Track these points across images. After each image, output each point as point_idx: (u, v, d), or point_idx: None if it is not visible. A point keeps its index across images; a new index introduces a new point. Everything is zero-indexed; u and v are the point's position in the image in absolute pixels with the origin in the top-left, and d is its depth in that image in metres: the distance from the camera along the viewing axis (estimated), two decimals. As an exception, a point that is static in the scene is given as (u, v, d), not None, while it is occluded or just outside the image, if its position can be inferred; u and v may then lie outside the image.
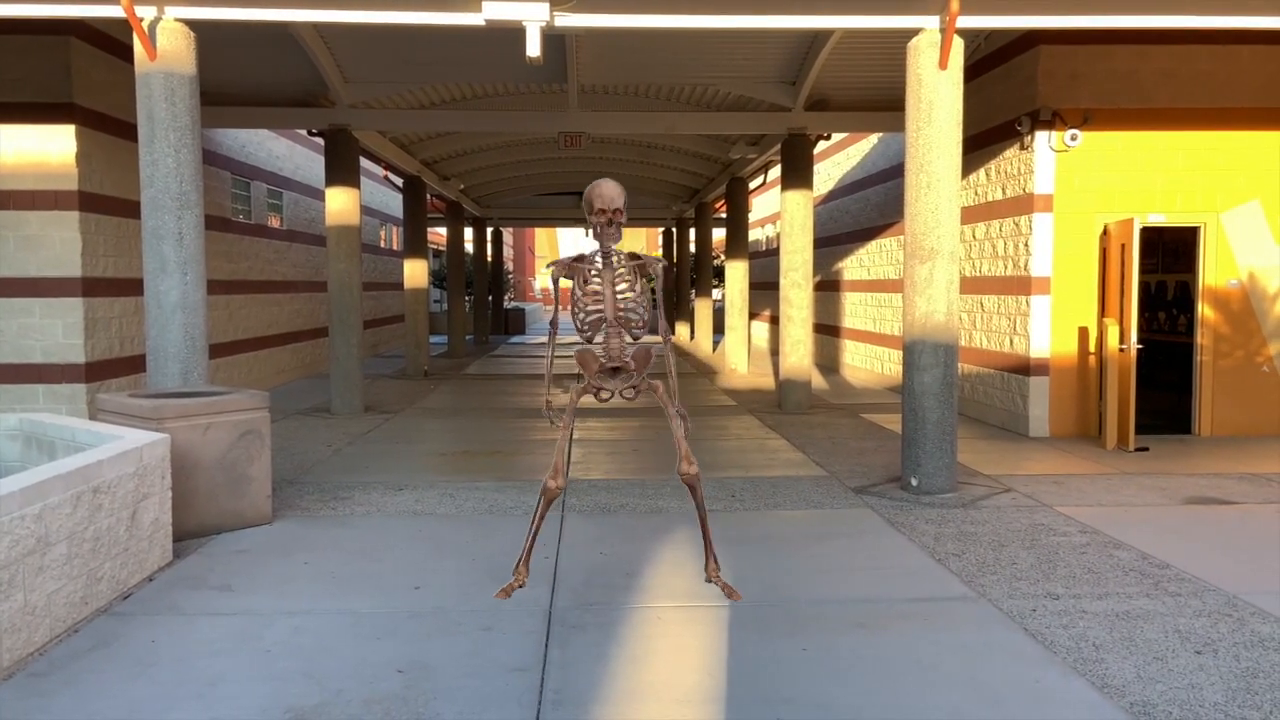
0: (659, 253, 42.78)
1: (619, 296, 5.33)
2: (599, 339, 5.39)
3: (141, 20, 7.43)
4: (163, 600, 5.30)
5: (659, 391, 5.40)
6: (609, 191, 5.40)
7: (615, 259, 5.40)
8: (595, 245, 5.49)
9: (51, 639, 4.65)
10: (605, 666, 4.40)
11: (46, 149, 9.97)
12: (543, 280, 74.42)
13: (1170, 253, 13.06)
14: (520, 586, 5.36)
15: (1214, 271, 10.64)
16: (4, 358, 10.05)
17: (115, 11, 7.40)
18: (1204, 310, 10.69)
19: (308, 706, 3.98)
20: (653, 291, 5.59)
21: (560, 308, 5.50)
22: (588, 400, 5.61)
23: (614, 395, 5.44)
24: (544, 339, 30.90)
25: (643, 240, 68.28)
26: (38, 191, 9.97)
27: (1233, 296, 10.65)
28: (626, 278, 5.38)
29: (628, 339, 5.37)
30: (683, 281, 29.41)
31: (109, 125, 10.58)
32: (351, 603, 5.26)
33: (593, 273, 5.39)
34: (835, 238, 19.55)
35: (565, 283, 5.65)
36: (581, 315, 5.42)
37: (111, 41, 10.53)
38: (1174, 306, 12.94)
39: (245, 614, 5.09)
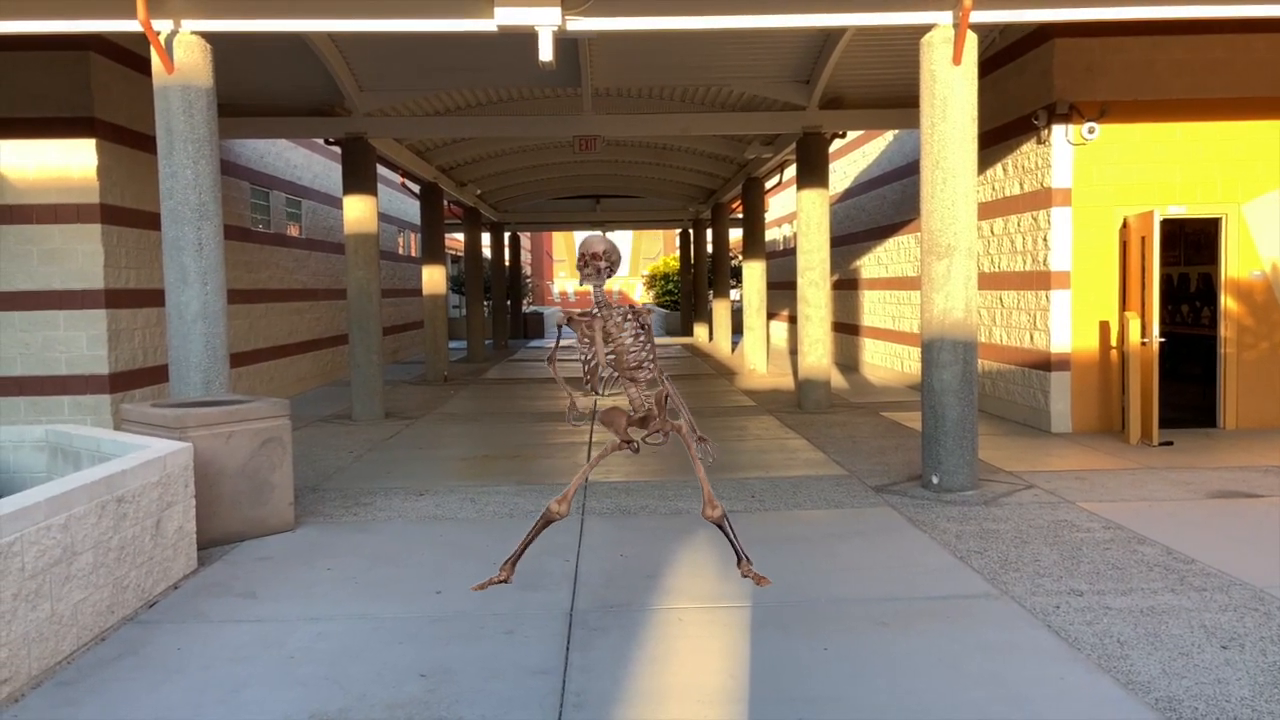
0: (676, 254, 42.80)
1: (629, 350, 5.54)
2: (607, 391, 5.60)
3: (159, 34, 7.51)
4: (188, 608, 5.35)
5: (683, 432, 5.62)
6: (590, 240, 5.61)
7: (612, 311, 5.59)
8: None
9: (79, 647, 4.70)
10: (627, 668, 4.41)
11: (68, 163, 10.09)
12: (560, 284, 74.65)
13: (1192, 245, 12.95)
14: (503, 582, 5.51)
15: (1236, 263, 10.54)
16: (30, 370, 10.17)
17: (133, 26, 7.48)
18: (1227, 302, 10.58)
19: (331, 711, 4.01)
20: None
21: (559, 345, 5.76)
22: (614, 403, 5.76)
23: (642, 443, 5.63)
24: (565, 342, 30.91)
25: (660, 242, 68.31)
26: (60, 205, 10.09)
27: (1256, 288, 10.54)
28: (630, 330, 5.58)
29: (644, 389, 5.56)
30: (700, 283, 29.40)
31: (129, 138, 10.70)
32: (374, 608, 5.29)
33: (603, 324, 5.56)
34: (852, 236, 19.49)
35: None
36: (593, 364, 5.59)
37: (130, 56, 10.65)
38: (1196, 299, 12.83)
39: (269, 620, 5.13)
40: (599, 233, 5.74)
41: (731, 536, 5.63)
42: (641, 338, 5.57)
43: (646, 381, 5.58)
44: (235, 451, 6.65)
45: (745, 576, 5.57)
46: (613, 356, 5.52)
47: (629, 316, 5.60)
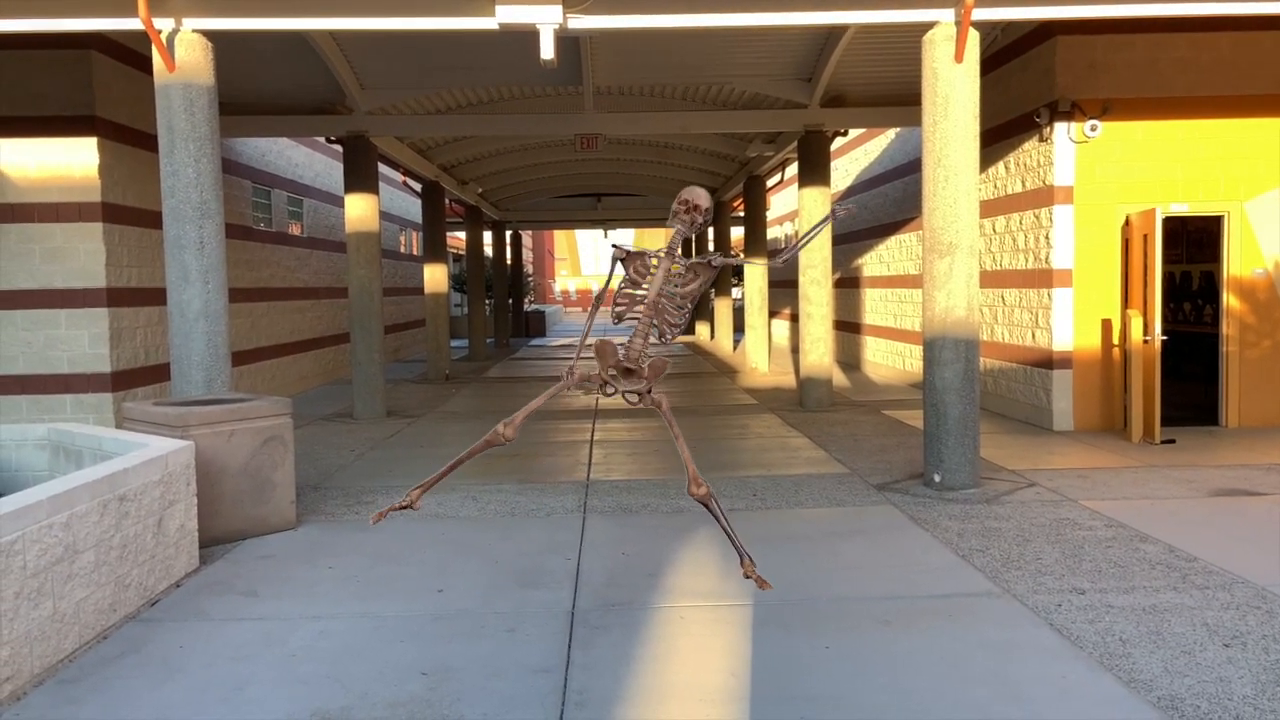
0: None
1: (663, 291, 5.24)
2: (626, 325, 5.30)
3: (160, 32, 7.51)
4: (190, 606, 5.35)
5: (663, 408, 5.33)
6: (699, 192, 5.38)
7: (679, 258, 5.31)
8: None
9: (80, 646, 4.70)
10: (628, 667, 4.41)
11: (69, 162, 10.09)
12: (562, 283, 74.63)
13: (1194, 243, 12.92)
14: (407, 508, 5.12)
15: (1239, 261, 10.52)
16: (32, 368, 10.18)
17: (134, 25, 7.47)
18: (1229, 300, 10.57)
19: (333, 709, 4.01)
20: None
21: (608, 290, 5.47)
22: (615, 401, 5.58)
23: (617, 393, 5.32)
24: (567, 341, 30.96)
25: (662, 240, 68.30)
26: (62, 204, 10.10)
27: (1258, 286, 10.53)
28: (682, 276, 5.29)
29: (652, 339, 5.33)
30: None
31: (130, 137, 10.70)
32: (375, 606, 5.29)
33: (653, 261, 5.31)
34: (854, 234, 19.48)
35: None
36: (625, 301, 5.33)
37: (132, 54, 10.65)
38: (1199, 297, 12.80)
39: (271, 619, 5.14)
40: (702, 188, 5.51)
41: (727, 527, 5.46)
42: (692, 289, 5.31)
43: (664, 330, 5.29)
44: (237, 450, 6.65)
45: (748, 578, 5.46)
46: (661, 301, 5.25)
47: (695, 265, 5.33)
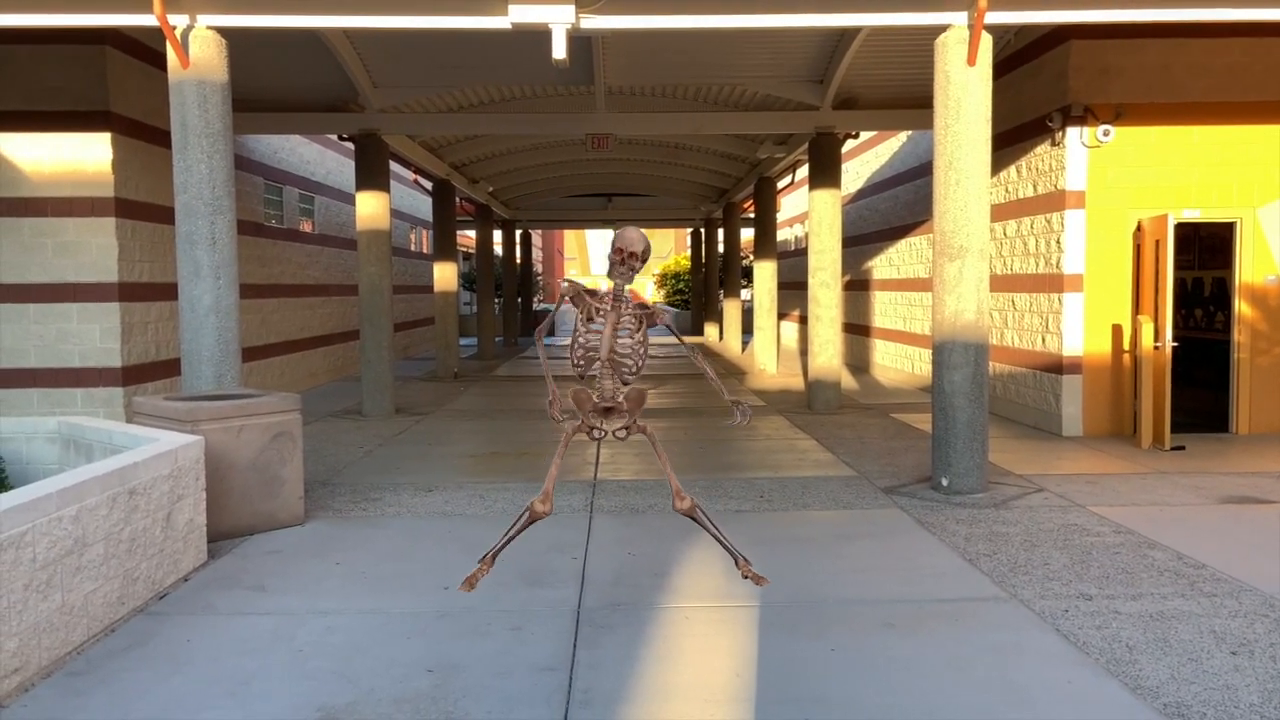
0: (687, 254, 42.73)
1: (619, 341, 5.48)
2: (592, 374, 5.53)
3: (175, 28, 7.54)
4: (198, 600, 5.38)
5: (648, 432, 5.52)
6: (631, 236, 5.55)
7: (624, 304, 5.54)
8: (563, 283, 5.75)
9: (89, 638, 4.73)
10: (633, 666, 4.41)
11: (83, 156, 10.14)
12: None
13: (1206, 249, 12.87)
14: (483, 576, 5.42)
15: (1251, 267, 10.47)
16: (43, 362, 10.23)
17: (149, 21, 7.51)
18: (1241, 307, 10.52)
19: (339, 705, 4.02)
20: (669, 330, 5.81)
21: (554, 323, 5.66)
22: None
23: (607, 435, 5.53)
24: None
25: (671, 241, 68.25)
26: (75, 199, 10.15)
27: (1270, 293, 10.48)
28: (630, 324, 5.53)
29: (620, 383, 5.50)
30: (711, 282, 29.38)
31: (144, 132, 10.75)
32: (382, 603, 5.31)
33: (599, 311, 5.52)
34: (864, 236, 19.44)
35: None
36: (580, 351, 5.57)
37: (146, 50, 10.70)
38: (1210, 303, 12.75)
39: (278, 614, 5.15)
40: (636, 228, 5.64)
41: (717, 534, 5.55)
42: (639, 336, 5.55)
43: (623, 377, 5.51)
44: (246, 445, 6.68)
45: (746, 577, 5.52)
46: (597, 345, 5.48)
47: (639, 314, 5.57)
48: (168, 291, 11.03)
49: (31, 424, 7.28)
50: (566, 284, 5.65)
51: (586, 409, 5.47)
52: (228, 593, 5.51)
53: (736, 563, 5.54)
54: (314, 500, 7.71)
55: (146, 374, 10.76)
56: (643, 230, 5.61)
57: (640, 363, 5.55)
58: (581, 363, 5.55)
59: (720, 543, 5.56)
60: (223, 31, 7.76)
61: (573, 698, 4.08)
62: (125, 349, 10.34)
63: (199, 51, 7.64)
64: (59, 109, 10.08)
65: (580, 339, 5.54)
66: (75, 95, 10.09)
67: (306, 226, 17.48)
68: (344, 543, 6.56)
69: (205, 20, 7.67)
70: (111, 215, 10.18)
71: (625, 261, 5.48)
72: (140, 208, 10.68)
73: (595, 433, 5.50)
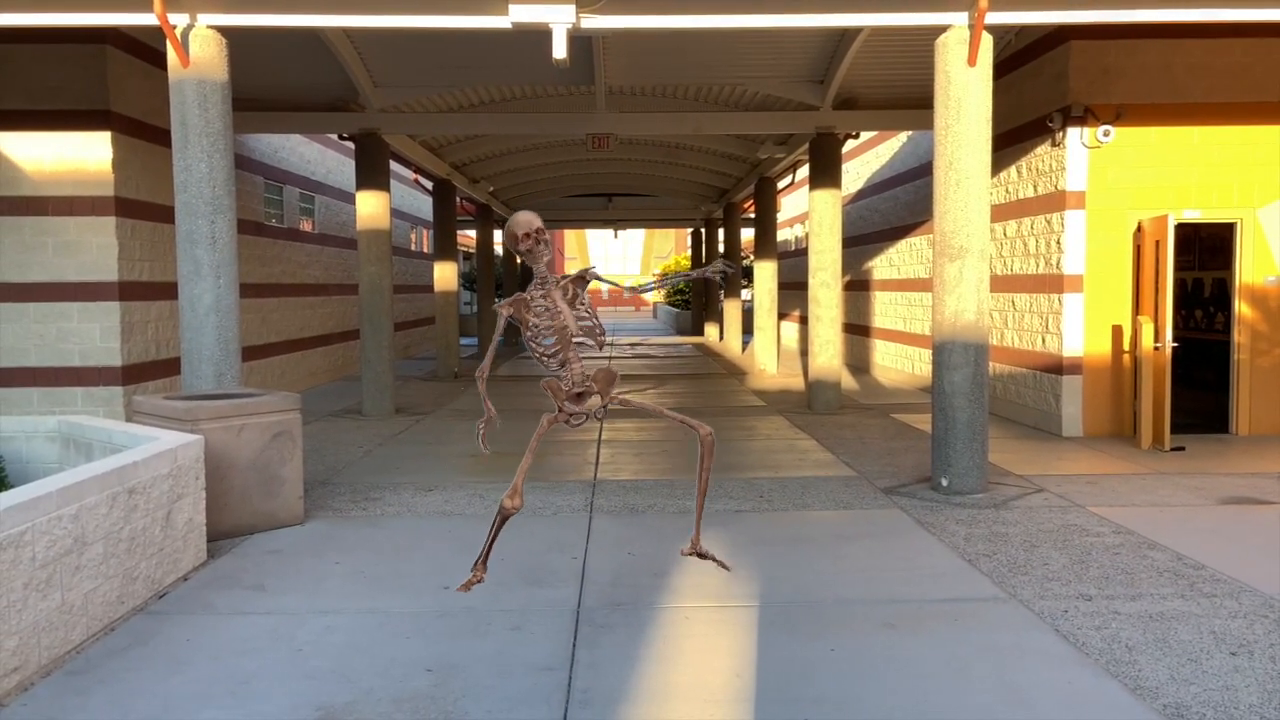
0: (687, 253, 42.69)
1: (577, 320, 5.42)
2: (559, 363, 5.43)
3: (175, 28, 7.54)
4: (197, 599, 5.38)
5: (632, 403, 5.53)
6: (522, 218, 5.49)
7: (553, 282, 5.46)
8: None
9: (88, 637, 4.73)
10: (633, 666, 4.41)
11: (83, 155, 10.14)
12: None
13: (1206, 249, 12.87)
14: (479, 582, 5.41)
15: (1251, 268, 10.47)
16: (43, 361, 10.23)
17: (149, 20, 7.51)
18: (1241, 308, 10.52)
19: (338, 705, 4.02)
20: (599, 279, 5.76)
21: (500, 336, 5.56)
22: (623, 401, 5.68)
23: (587, 418, 5.49)
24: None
25: (672, 241, 68.27)
26: (75, 198, 10.15)
27: (1271, 294, 10.47)
28: (569, 299, 5.46)
29: (584, 367, 5.40)
30: (712, 282, 29.37)
31: (144, 132, 10.75)
32: (382, 602, 5.31)
33: (537, 302, 5.43)
34: (865, 237, 19.44)
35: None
36: (541, 337, 5.45)
37: (146, 49, 10.70)
38: (1211, 304, 12.75)
39: (278, 613, 5.15)
40: (522, 210, 5.62)
41: (704, 482, 5.47)
42: (584, 307, 5.45)
43: (586, 354, 5.43)
44: (246, 445, 6.68)
45: (697, 554, 5.55)
46: (555, 325, 5.37)
47: (570, 285, 5.47)
48: (168, 291, 11.02)
49: (31, 423, 7.29)
50: (497, 305, 5.55)
51: (560, 398, 5.42)
52: (227, 592, 5.51)
53: (693, 538, 5.57)
54: (314, 500, 7.71)
55: (146, 373, 10.76)
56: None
57: (596, 324, 5.46)
58: (550, 356, 5.42)
59: (699, 501, 5.54)
60: (223, 31, 7.76)
61: (572, 698, 4.08)
62: (125, 348, 10.34)
63: (199, 51, 7.64)
64: (59, 108, 10.08)
65: (537, 333, 5.41)
66: (76, 94, 10.09)
67: (307, 226, 17.48)
68: (344, 542, 6.56)
69: (205, 19, 7.67)
70: (112, 214, 10.18)
71: (538, 240, 5.39)
72: (140, 207, 10.68)
73: (573, 420, 5.45)
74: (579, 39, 9.66)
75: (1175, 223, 9.73)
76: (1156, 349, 9.81)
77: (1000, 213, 12.00)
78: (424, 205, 25.36)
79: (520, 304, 5.44)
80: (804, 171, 17.80)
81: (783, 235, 27.90)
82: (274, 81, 12.32)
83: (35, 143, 10.12)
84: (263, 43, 10.19)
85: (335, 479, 8.67)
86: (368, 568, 5.96)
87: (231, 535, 6.58)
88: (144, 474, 5.30)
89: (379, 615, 5.10)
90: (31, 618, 4.28)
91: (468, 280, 32.16)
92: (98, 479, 4.85)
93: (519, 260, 5.59)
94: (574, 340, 5.39)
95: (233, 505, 6.61)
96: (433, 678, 4.28)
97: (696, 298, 33.40)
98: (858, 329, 20.00)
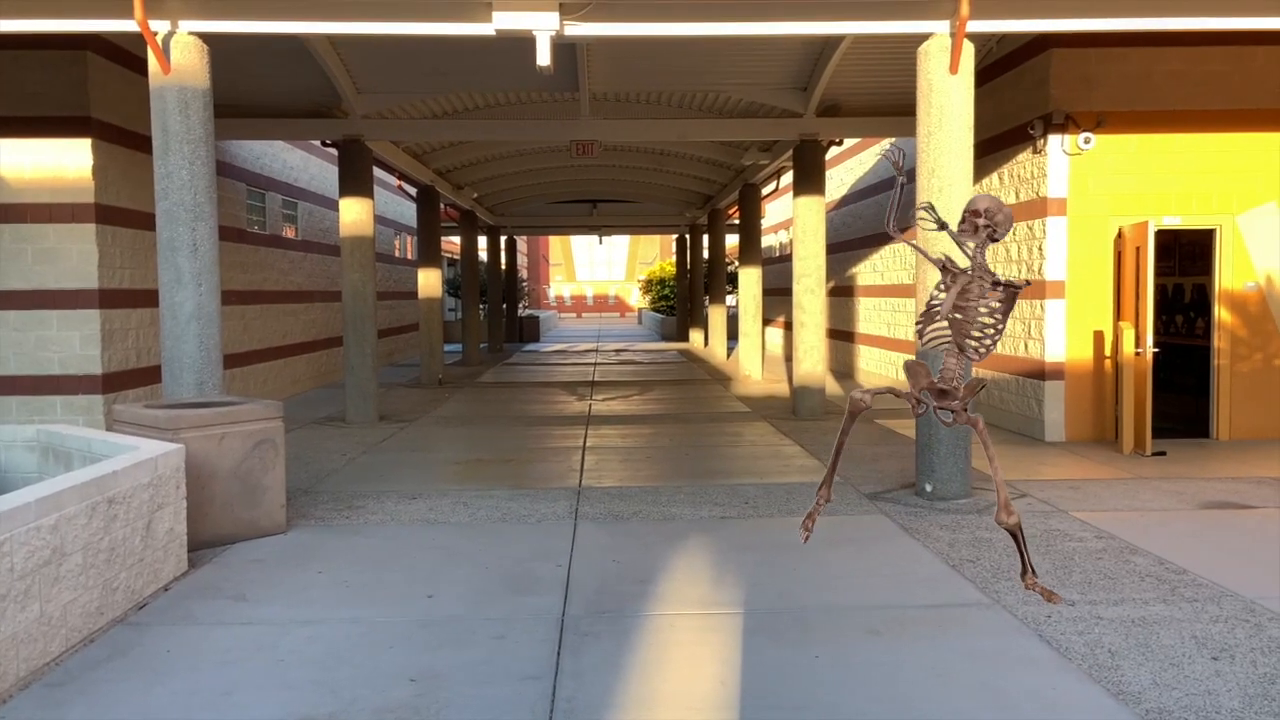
0: (672, 259, 42.76)
1: (977, 318, 5.16)
2: (956, 348, 5.21)
3: (156, 34, 7.50)
4: (178, 610, 5.33)
5: (979, 428, 5.20)
6: (982, 201, 5.27)
7: (988, 277, 5.19)
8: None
9: (67, 649, 4.68)
10: (618, 675, 4.40)
11: (63, 162, 10.07)
12: (557, 289, 74.69)
13: (1187, 255, 12.96)
14: (827, 502, 5.40)
15: (1231, 274, 10.56)
16: (22, 369, 10.14)
17: (130, 26, 7.47)
18: (1221, 313, 10.61)
19: (321, 715, 3.99)
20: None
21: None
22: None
23: (927, 410, 5.33)
24: (558, 347, 30.94)
25: (657, 247, 68.34)
26: (55, 205, 10.07)
27: (1250, 299, 10.57)
28: (990, 303, 5.17)
29: (959, 361, 5.21)
30: (696, 288, 29.43)
31: (125, 138, 10.68)
32: (365, 612, 5.28)
33: (973, 285, 5.19)
34: (848, 243, 19.51)
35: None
36: (929, 326, 5.28)
37: (127, 55, 10.64)
38: (1191, 309, 12.85)
39: (260, 623, 5.11)
40: (988, 194, 5.38)
41: (1022, 546, 5.26)
42: (998, 315, 5.18)
43: (969, 357, 5.20)
44: (228, 453, 6.63)
45: (1030, 589, 5.27)
46: (959, 317, 5.15)
47: (997, 291, 5.17)
48: (149, 298, 10.94)
49: (10, 432, 7.21)
50: (942, 256, 5.31)
51: (921, 382, 5.25)
52: (208, 602, 5.46)
53: (1023, 574, 5.28)
54: (296, 508, 7.66)
55: (127, 381, 10.68)
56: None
57: (990, 344, 5.23)
58: (930, 339, 5.33)
59: (1022, 557, 5.31)
60: (204, 37, 7.72)
61: (556, 706, 4.07)
62: (106, 356, 10.26)
63: (180, 57, 7.60)
64: (39, 114, 10.01)
65: (934, 310, 5.28)
66: (56, 100, 10.02)
67: (290, 232, 17.40)
68: (326, 551, 6.52)
69: (187, 26, 7.63)
70: (92, 221, 10.10)
71: (977, 227, 5.23)
72: (121, 213, 10.60)
73: (919, 408, 5.32)
74: (563, 46, 9.67)
75: (1155, 229, 9.81)
76: (1138, 354, 9.87)
77: (983, 219, 12.03)
78: (408, 211, 25.31)
79: (951, 273, 5.22)
80: (788, 178, 17.86)
81: (767, 241, 27.98)
82: (256, 87, 12.27)
83: (14, 149, 10.04)
84: (245, 49, 10.16)
85: (318, 487, 8.62)
86: (351, 576, 5.92)
87: (213, 545, 6.53)
88: (124, 483, 5.26)
89: (362, 624, 5.07)
90: (9, 629, 4.23)
91: (452, 287, 32.09)
92: (77, 489, 4.81)
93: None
94: (970, 335, 5.16)
95: (214, 514, 6.56)
96: (416, 687, 4.26)
97: (681, 304, 33.42)
98: (842, 334, 20.06)
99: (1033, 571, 5.26)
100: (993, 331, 5.19)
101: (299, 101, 12.80)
